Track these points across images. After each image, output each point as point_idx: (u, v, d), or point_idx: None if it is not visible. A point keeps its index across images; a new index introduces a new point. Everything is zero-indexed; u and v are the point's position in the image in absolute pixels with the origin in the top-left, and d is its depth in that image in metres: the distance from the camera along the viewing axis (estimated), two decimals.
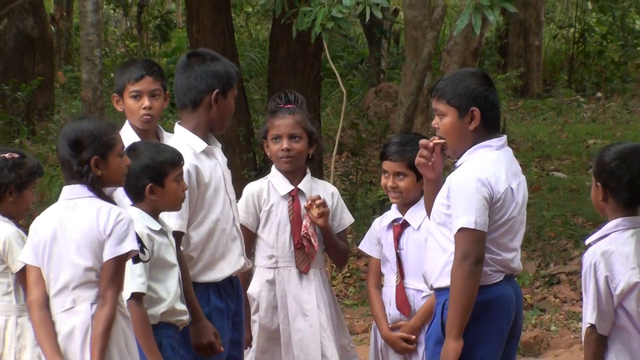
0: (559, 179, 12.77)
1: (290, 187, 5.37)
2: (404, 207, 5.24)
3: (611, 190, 4.23)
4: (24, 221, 5.39)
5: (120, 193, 4.66)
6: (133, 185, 4.48)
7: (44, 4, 16.17)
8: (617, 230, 4.22)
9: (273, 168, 5.43)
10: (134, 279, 4.35)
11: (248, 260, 5.05)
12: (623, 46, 19.86)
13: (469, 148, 4.49)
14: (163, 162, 4.51)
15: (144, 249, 4.31)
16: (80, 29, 11.14)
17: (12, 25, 14.59)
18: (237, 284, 4.97)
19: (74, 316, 4.12)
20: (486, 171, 4.40)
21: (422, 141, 4.64)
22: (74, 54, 19.61)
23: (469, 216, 4.33)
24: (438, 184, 4.60)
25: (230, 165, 5.17)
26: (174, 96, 5.03)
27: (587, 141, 15.03)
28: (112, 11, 23.09)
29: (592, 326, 4.17)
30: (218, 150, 4.94)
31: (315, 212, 5.27)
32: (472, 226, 4.33)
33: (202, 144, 4.82)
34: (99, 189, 4.17)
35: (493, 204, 4.39)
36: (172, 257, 4.53)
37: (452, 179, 4.45)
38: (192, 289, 4.67)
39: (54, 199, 4.35)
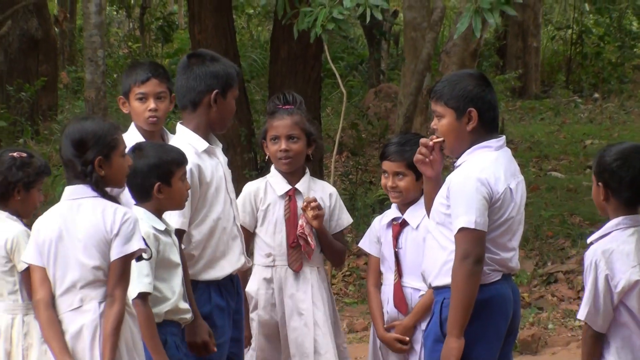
0: (557, 178, 12.77)
1: (288, 187, 5.39)
2: (403, 207, 5.25)
3: (612, 190, 4.24)
4: (27, 220, 5.39)
5: (128, 195, 4.62)
6: (140, 184, 4.49)
7: (47, 5, 16.13)
8: (617, 229, 4.23)
9: (272, 168, 5.44)
10: (140, 278, 4.36)
11: (248, 259, 5.06)
12: (620, 47, 19.84)
13: (467, 148, 4.50)
14: (170, 161, 4.52)
15: (147, 248, 4.28)
16: (83, 30, 11.15)
17: (16, 27, 14.53)
18: (237, 282, 4.98)
19: (82, 315, 4.14)
20: (485, 171, 4.41)
21: (423, 140, 4.65)
22: (77, 54, 19.53)
23: (469, 216, 4.34)
24: (438, 183, 4.61)
25: (231, 165, 5.20)
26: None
27: (585, 141, 15.03)
28: (115, 12, 23.00)
29: (587, 323, 4.19)
30: (219, 150, 4.96)
31: (310, 213, 5.29)
32: (472, 226, 4.34)
33: (203, 144, 4.84)
34: (103, 188, 4.17)
35: (492, 204, 4.40)
36: (176, 256, 4.55)
37: (451, 179, 4.46)
38: (190, 287, 4.68)
39: (58, 198, 4.31)
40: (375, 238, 5.37)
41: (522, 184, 4.57)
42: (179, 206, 4.60)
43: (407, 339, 5.19)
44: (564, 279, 9.25)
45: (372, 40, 16.76)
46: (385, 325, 5.26)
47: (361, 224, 9.83)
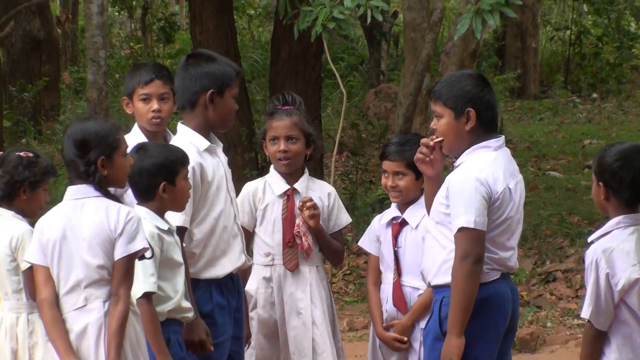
0: (555, 178, 12.79)
1: (286, 187, 5.40)
2: (403, 206, 5.26)
3: (613, 190, 4.25)
4: (33, 220, 5.40)
5: (132, 194, 4.63)
6: (146, 184, 4.50)
7: (50, 6, 16.16)
8: (618, 228, 4.24)
9: (271, 168, 5.46)
10: (146, 278, 4.37)
11: (248, 257, 5.07)
12: (618, 48, 19.83)
13: (466, 148, 4.51)
14: (175, 160, 4.54)
15: (150, 247, 4.28)
16: (85, 31, 11.15)
17: (19, 27, 14.54)
18: (237, 280, 4.99)
19: (87, 314, 4.14)
20: (485, 171, 4.42)
21: (423, 139, 4.66)
22: (79, 55, 19.51)
23: (469, 216, 4.35)
24: (438, 182, 4.61)
25: (232, 164, 5.20)
26: None
27: (583, 141, 15.04)
28: (117, 13, 22.96)
29: (590, 321, 4.21)
30: (220, 149, 4.97)
31: (306, 213, 5.30)
32: (471, 225, 4.35)
33: (205, 142, 4.85)
34: (105, 188, 4.18)
35: (491, 204, 4.42)
36: (178, 256, 4.56)
37: (451, 179, 4.47)
38: (190, 286, 4.69)
39: (60, 198, 4.31)
40: (375, 237, 5.37)
41: (521, 183, 4.58)
42: (181, 207, 4.62)
43: (406, 339, 5.21)
44: (563, 278, 9.27)
45: (372, 41, 16.75)
46: (384, 324, 5.27)
47: (361, 223, 9.84)
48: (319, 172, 9.60)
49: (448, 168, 4.88)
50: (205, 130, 4.89)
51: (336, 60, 16.71)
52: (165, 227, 4.52)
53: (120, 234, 4.12)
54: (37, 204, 5.04)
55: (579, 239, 9.76)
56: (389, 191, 5.28)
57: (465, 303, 4.36)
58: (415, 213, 5.21)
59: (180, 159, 4.57)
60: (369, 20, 6.36)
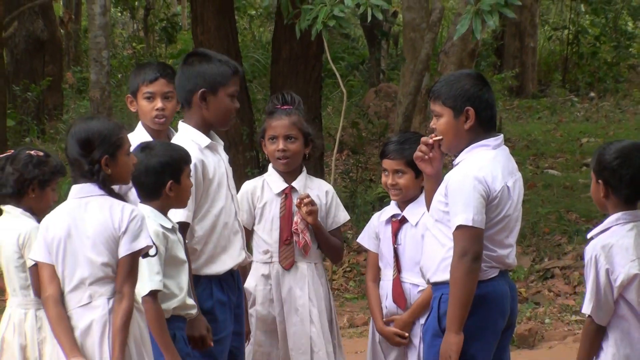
0: (553, 176, 12.82)
1: (284, 185, 5.41)
2: (403, 204, 5.27)
3: (613, 188, 4.25)
4: (41, 218, 5.42)
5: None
6: (153, 182, 4.51)
7: (53, 7, 16.07)
8: (617, 224, 4.25)
9: (270, 167, 5.48)
10: (152, 276, 4.37)
11: (248, 254, 5.08)
12: (615, 47, 19.84)
13: (465, 147, 4.52)
14: (179, 159, 4.55)
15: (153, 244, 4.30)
16: (88, 31, 11.21)
17: (22, 28, 14.55)
18: (237, 277, 5.00)
19: (92, 311, 4.16)
20: (483, 170, 4.42)
21: (423, 138, 4.68)
22: (82, 55, 19.48)
23: (467, 214, 4.36)
24: (438, 180, 4.63)
25: (233, 163, 5.22)
26: None
27: (581, 139, 15.06)
28: (119, 14, 22.88)
29: (591, 317, 4.23)
30: (220, 147, 4.99)
31: (304, 209, 5.31)
32: (470, 223, 4.36)
33: (205, 140, 4.87)
34: (109, 186, 4.19)
35: (490, 202, 4.42)
36: (182, 253, 4.57)
37: (450, 177, 4.48)
38: (192, 282, 4.69)
39: (64, 196, 4.32)
40: (374, 234, 5.39)
41: (520, 181, 4.59)
42: (184, 204, 4.64)
43: (406, 334, 5.22)
44: (561, 275, 9.30)
45: (372, 41, 16.73)
46: (384, 320, 5.28)
47: (361, 221, 9.84)
48: (319, 171, 9.62)
49: (447, 166, 4.90)
50: (204, 128, 4.91)
51: (336, 59, 16.68)
52: (169, 225, 4.54)
53: (124, 232, 4.14)
54: (45, 203, 5.04)
55: (577, 236, 9.79)
56: (389, 189, 5.30)
57: (463, 300, 4.38)
58: (415, 211, 5.23)
59: (184, 157, 4.60)
60: (369, 18, 6.36)
